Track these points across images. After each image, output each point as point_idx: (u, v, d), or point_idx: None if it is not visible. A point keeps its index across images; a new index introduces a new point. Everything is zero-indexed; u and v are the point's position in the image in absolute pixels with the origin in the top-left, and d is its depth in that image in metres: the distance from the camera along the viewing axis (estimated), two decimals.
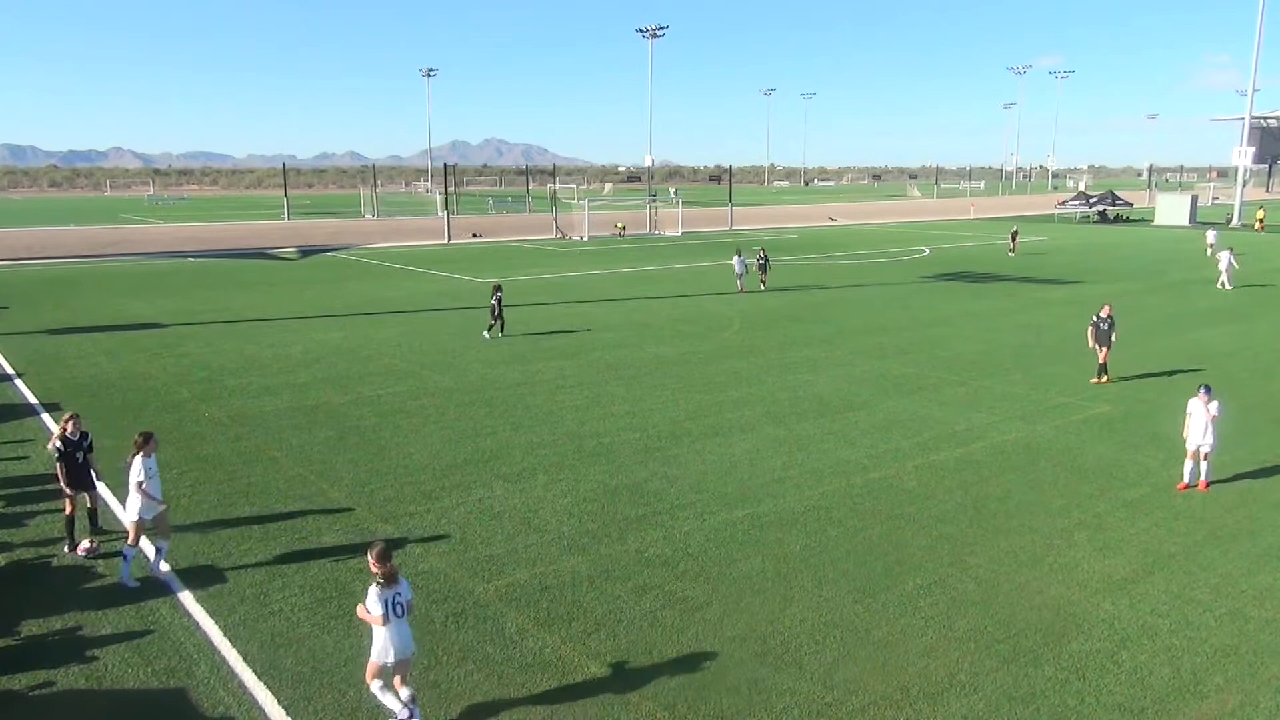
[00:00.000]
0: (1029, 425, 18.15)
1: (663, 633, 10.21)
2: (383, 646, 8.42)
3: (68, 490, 12.30)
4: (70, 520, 12.42)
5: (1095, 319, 21.56)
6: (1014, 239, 54.63)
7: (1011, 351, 25.36)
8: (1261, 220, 74.67)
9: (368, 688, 8.63)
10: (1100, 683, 9.22)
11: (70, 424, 12.46)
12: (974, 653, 9.77)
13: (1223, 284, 38.33)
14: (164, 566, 11.64)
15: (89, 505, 12.76)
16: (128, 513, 11.60)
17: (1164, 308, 33.82)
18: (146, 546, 11.86)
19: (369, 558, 8.62)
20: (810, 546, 12.46)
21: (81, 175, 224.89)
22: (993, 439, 17.23)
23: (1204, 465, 14.70)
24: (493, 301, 27.33)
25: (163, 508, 11.65)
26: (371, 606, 8.39)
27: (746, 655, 9.74)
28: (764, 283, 37.63)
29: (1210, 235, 53.16)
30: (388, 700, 8.50)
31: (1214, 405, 14.54)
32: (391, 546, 9.53)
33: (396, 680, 8.59)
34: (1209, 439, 14.48)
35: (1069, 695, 8.99)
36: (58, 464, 12.36)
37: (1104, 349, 21.37)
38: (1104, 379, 21.41)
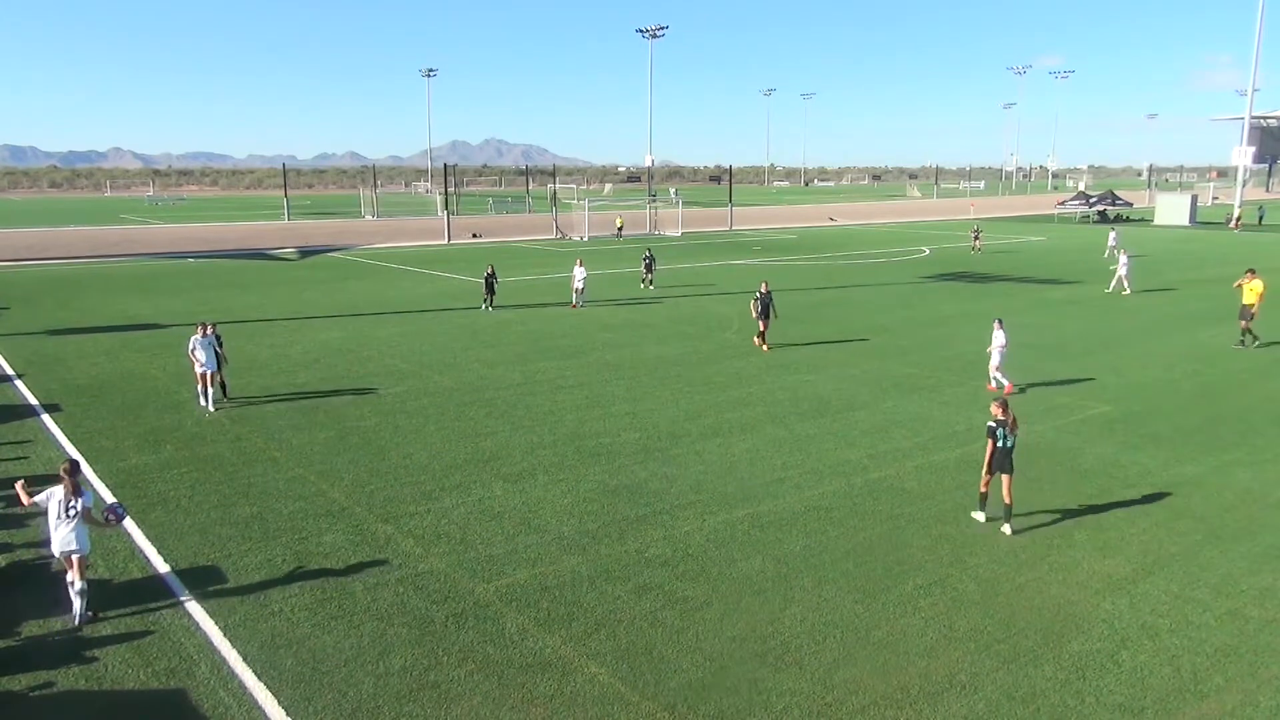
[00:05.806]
0: (1029, 425, 18.09)
1: (663, 633, 10.21)
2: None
3: (200, 368, 18.92)
4: (204, 388, 19.09)
5: (757, 295, 25.45)
6: (976, 237, 55.95)
7: (1012, 351, 25.31)
8: (1238, 219, 74.62)
9: None
10: (1100, 683, 9.21)
11: (209, 327, 19.13)
12: (974, 653, 9.77)
13: (1122, 288, 36.52)
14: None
15: (219, 380, 19.47)
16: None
17: (1163, 308, 33.80)
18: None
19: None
20: (810, 546, 12.46)
21: (81, 176, 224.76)
22: None
23: (1002, 377, 20.46)
24: (486, 280, 32.97)
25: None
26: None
27: (746, 655, 9.73)
28: (650, 284, 38.29)
29: (1111, 237, 52.35)
30: None
31: (1000, 335, 20.48)
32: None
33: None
34: (997, 359, 20.43)
35: (1069, 695, 8.99)
36: (190, 352, 19.03)
37: (765, 321, 25.31)
38: (765, 346, 25.38)
